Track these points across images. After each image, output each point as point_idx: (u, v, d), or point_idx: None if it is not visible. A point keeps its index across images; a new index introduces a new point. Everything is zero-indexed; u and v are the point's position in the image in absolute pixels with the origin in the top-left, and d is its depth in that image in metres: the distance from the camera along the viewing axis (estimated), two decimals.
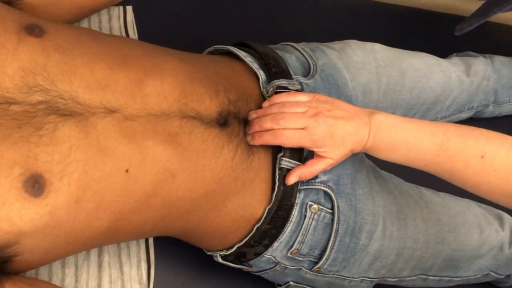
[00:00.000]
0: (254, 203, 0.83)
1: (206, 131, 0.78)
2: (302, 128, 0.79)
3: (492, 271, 1.08)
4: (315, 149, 0.81)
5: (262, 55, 0.91)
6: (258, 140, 0.81)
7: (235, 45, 0.96)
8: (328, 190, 0.86)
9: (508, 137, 0.80)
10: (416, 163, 0.82)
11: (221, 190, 0.80)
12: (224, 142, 0.79)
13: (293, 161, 0.83)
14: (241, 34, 1.07)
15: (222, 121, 0.80)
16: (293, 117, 0.80)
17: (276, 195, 0.83)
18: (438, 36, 1.35)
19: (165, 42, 0.88)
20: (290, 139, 0.80)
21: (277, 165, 0.83)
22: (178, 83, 0.78)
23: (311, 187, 0.85)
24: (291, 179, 0.82)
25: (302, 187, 0.85)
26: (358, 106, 0.86)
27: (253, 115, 0.83)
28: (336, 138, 0.79)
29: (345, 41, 1.06)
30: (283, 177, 0.83)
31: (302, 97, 0.83)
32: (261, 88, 0.87)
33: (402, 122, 0.81)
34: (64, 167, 0.65)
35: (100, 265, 0.90)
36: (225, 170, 0.79)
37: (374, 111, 0.82)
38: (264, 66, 0.89)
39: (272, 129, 0.80)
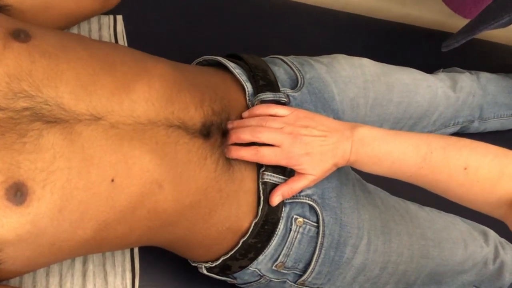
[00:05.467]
0: (240, 215, 0.83)
1: (191, 142, 0.78)
2: (279, 145, 0.80)
3: (476, 287, 1.08)
4: (292, 167, 0.82)
5: (251, 66, 0.92)
6: (234, 154, 0.81)
7: (226, 56, 0.97)
8: (313, 204, 0.86)
9: (491, 147, 0.80)
10: (401, 175, 0.83)
11: (206, 202, 0.80)
12: (207, 153, 0.79)
13: (276, 175, 0.83)
14: (231, 46, 1.07)
15: (206, 132, 0.80)
16: (272, 132, 0.80)
17: (262, 209, 0.83)
18: (425, 52, 1.37)
19: (155, 52, 0.87)
20: (265, 157, 0.80)
21: (260, 180, 0.83)
22: (166, 90, 0.78)
23: (296, 200, 0.85)
24: (275, 200, 0.83)
25: (287, 201, 0.85)
26: (345, 120, 0.87)
27: (230, 125, 0.83)
28: (313, 155, 0.80)
29: (333, 55, 1.06)
30: (267, 192, 0.83)
31: (281, 111, 0.84)
32: (247, 101, 0.88)
33: (385, 135, 0.82)
34: (47, 175, 0.65)
35: (84, 274, 0.89)
36: (209, 181, 0.79)
37: (357, 125, 0.83)
38: (252, 78, 0.90)
39: (250, 142, 0.80)
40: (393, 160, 0.81)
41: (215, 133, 0.81)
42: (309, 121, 0.82)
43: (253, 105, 0.87)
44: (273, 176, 0.83)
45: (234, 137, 0.81)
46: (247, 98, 0.88)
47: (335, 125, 0.83)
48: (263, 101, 0.87)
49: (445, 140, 0.81)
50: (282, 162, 0.81)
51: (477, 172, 0.78)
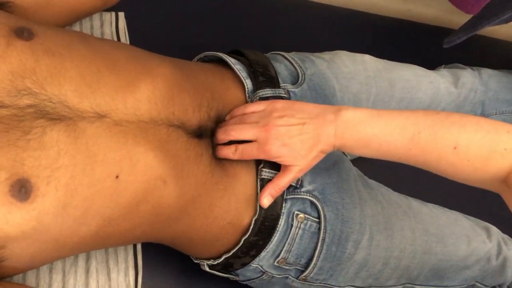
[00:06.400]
0: (240, 209, 0.83)
1: (188, 141, 0.79)
2: (255, 140, 0.80)
3: (478, 282, 1.08)
4: (274, 160, 0.81)
5: (252, 62, 0.92)
6: (218, 153, 0.82)
7: (228, 53, 0.97)
8: (314, 200, 0.86)
9: (483, 122, 0.77)
10: (391, 157, 0.81)
11: (206, 196, 0.81)
12: (202, 150, 0.80)
13: (274, 171, 0.83)
14: (232, 42, 1.07)
15: (199, 133, 0.81)
16: (244, 128, 0.80)
17: (260, 206, 0.83)
18: (427, 48, 1.36)
19: (157, 49, 0.88)
20: (244, 153, 0.80)
21: (259, 176, 0.83)
22: (168, 91, 0.78)
23: (297, 196, 0.86)
24: (264, 202, 0.82)
25: (288, 197, 0.85)
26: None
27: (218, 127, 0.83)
28: (292, 145, 0.79)
29: (335, 51, 1.06)
30: None
31: (258, 107, 0.83)
32: (247, 98, 0.88)
33: (371, 116, 0.79)
34: (51, 172, 0.65)
35: (87, 271, 0.90)
36: (206, 174, 0.80)
37: (341, 108, 0.80)
38: (252, 74, 0.90)
39: (230, 141, 0.81)
40: (380, 142, 0.78)
41: (209, 135, 0.82)
42: (286, 110, 0.80)
43: (252, 102, 0.87)
44: (271, 172, 0.83)
45: (215, 139, 0.82)
46: (247, 95, 0.88)
47: (317, 111, 0.81)
48: (262, 98, 0.87)
49: (433, 118, 0.78)
50: (261, 156, 0.80)
51: (467, 151, 0.75)
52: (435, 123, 0.77)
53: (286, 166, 0.81)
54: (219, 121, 0.84)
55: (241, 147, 0.80)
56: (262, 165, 0.84)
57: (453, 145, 0.75)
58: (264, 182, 0.83)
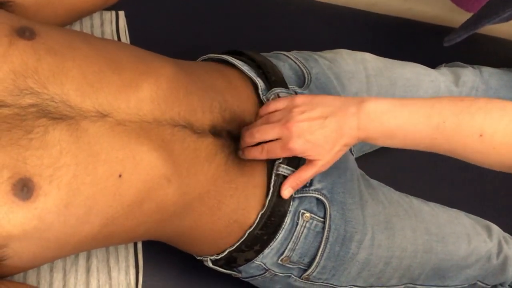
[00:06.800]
0: (248, 207, 0.83)
1: (198, 140, 0.78)
2: (279, 138, 0.79)
3: (480, 281, 1.08)
4: (299, 155, 0.80)
5: (260, 64, 0.92)
6: (246, 155, 0.81)
7: (228, 53, 0.96)
8: (322, 198, 0.86)
9: (508, 107, 0.76)
10: (415, 147, 0.80)
11: (215, 192, 0.80)
12: (217, 149, 0.80)
13: (290, 168, 0.83)
14: (232, 42, 1.07)
15: (214, 132, 0.80)
16: (267, 129, 0.80)
17: (269, 200, 0.83)
18: (428, 47, 1.36)
19: (157, 48, 0.88)
20: (270, 153, 0.80)
21: (274, 171, 0.83)
22: (173, 91, 0.78)
23: (305, 195, 0.86)
24: (285, 193, 0.82)
25: (296, 195, 0.85)
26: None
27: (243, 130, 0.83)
28: (316, 141, 0.78)
29: (336, 50, 1.06)
30: (279, 184, 0.83)
31: (280, 104, 0.83)
32: (261, 96, 0.88)
33: (395, 107, 0.78)
34: (53, 171, 0.65)
35: (88, 270, 0.90)
36: (218, 172, 0.80)
37: (363, 99, 0.79)
38: (262, 75, 0.90)
39: (256, 143, 0.80)
40: (405, 133, 0.78)
41: (226, 136, 0.82)
42: (306, 105, 0.80)
43: (268, 100, 0.87)
44: (288, 169, 0.83)
45: (242, 142, 0.82)
46: (261, 93, 0.88)
47: (338, 103, 0.80)
48: (279, 95, 0.87)
49: (458, 106, 0.77)
50: (285, 154, 0.80)
51: (493, 138, 0.74)
52: (460, 111, 0.76)
53: (310, 160, 0.81)
54: (235, 122, 0.84)
55: (266, 146, 0.80)
56: (280, 160, 0.83)
57: (478, 133, 0.75)
58: (279, 178, 0.83)
